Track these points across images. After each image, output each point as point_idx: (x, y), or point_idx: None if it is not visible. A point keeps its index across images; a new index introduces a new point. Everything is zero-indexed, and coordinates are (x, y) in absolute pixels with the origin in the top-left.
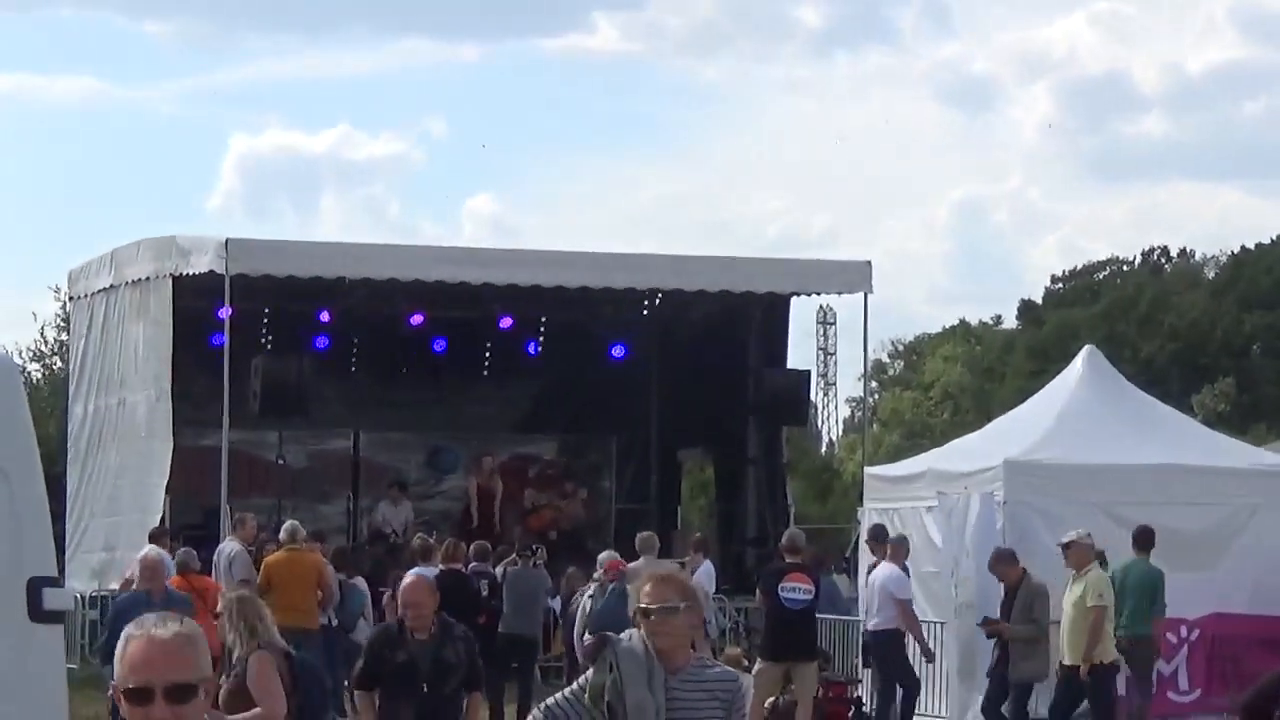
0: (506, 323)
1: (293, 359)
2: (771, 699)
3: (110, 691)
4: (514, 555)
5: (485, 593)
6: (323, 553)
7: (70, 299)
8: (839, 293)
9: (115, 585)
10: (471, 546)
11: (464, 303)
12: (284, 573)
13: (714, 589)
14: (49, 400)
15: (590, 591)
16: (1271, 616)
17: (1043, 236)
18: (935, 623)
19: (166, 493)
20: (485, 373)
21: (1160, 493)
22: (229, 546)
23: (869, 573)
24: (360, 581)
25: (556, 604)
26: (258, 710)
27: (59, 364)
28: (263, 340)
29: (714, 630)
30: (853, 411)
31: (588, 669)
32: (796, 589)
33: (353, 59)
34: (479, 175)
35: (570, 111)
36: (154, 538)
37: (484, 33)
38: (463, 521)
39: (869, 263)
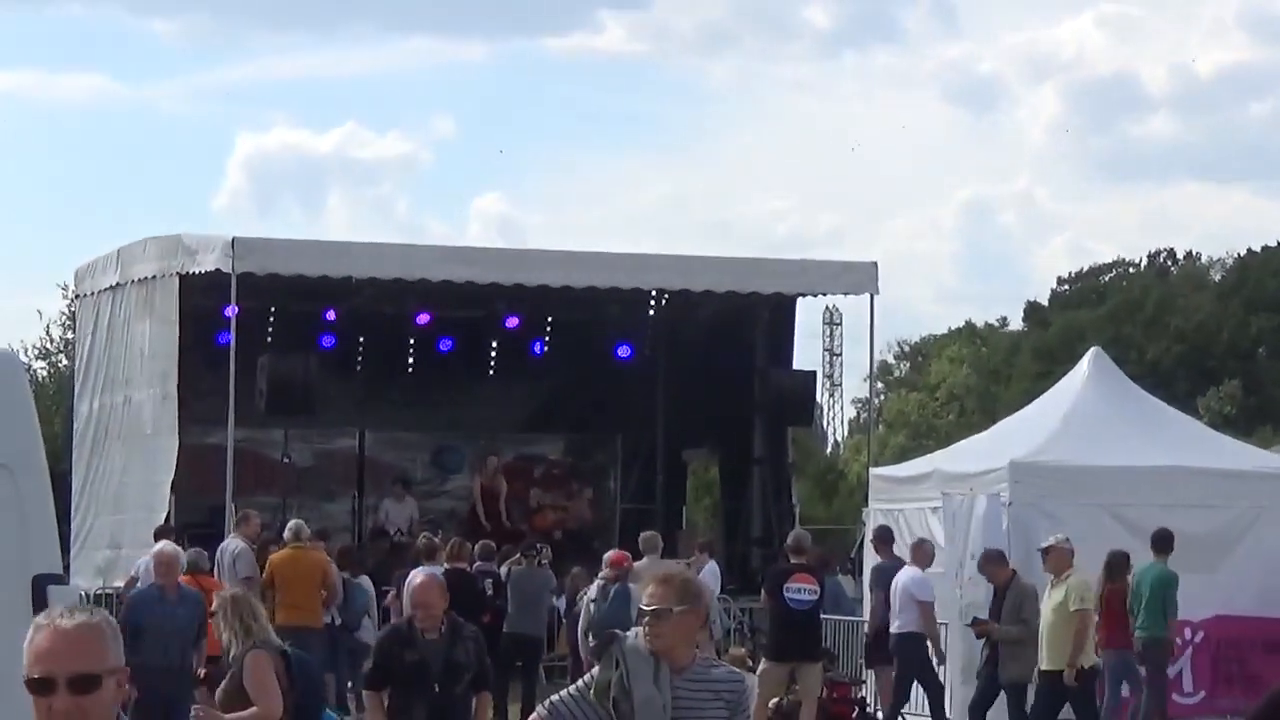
0: (513, 322)
1: (299, 358)
2: (776, 699)
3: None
4: (518, 555)
5: (490, 592)
6: (327, 551)
7: (76, 297)
8: (845, 293)
9: (120, 583)
10: (476, 546)
11: (470, 302)
12: (288, 571)
13: (719, 589)
14: (54, 398)
15: (593, 592)
16: (1276, 619)
17: (1049, 238)
18: (939, 624)
19: (172, 491)
20: (491, 372)
21: (1165, 495)
22: (232, 544)
23: (872, 573)
24: (365, 580)
25: (561, 604)
26: (254, 709)
27: (65, 362)
28: (269, 339)
29: (718, 630)
30: (858, 412)
31: (593, 667)
32: (801, 589)
33: (360, 58)
34: (486, 175)
35: (577, 111)
36: (159, 536)
37: (491, 32)
38: (469, 521)
39: (875, 263)
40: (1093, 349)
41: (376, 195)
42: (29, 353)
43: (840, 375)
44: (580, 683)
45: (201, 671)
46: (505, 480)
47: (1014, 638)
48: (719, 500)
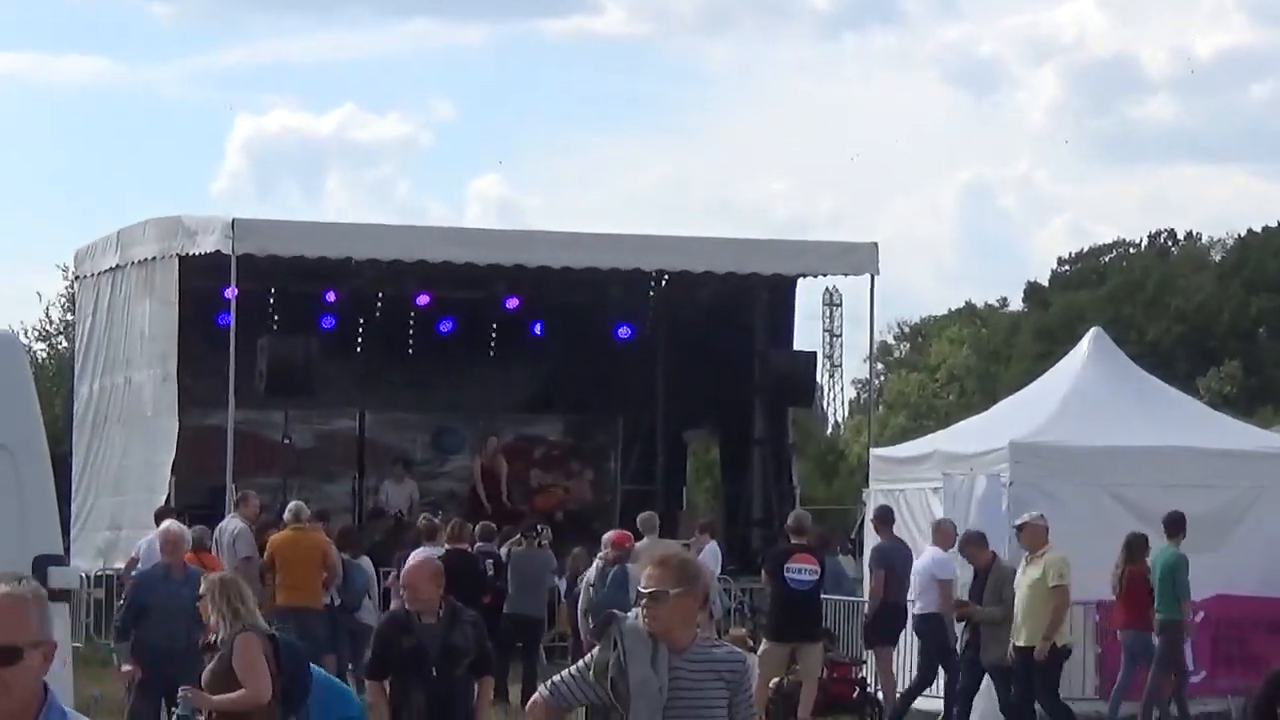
0: (512, 303)
1: (299, 339)
2: (777, 679)
3: (123, 666)
4: (519, 536)
5: (490, 573)
6: (327, 532)
7: (76, 278)
8: (845, 274)
9: (121, 564)
10: (477, 527)
11: (470, 283)
12: (289, 552)
13: (719, 570)
14: (54, 380)
15: (592, 575)
16: (1278, 598)
17: (1049, 219)
18: None
19: (172, 472)
20: (491, 353)
21: (1166, 475)
22: (231, 524)
23: (872, 554)
24: (365, 561)
25: (562, 585)
26: (244, 691)
27: (64, 344)
28: (269, 320)
29: (719, 611)
30: (858, 393)
31: (593, 647)
32: (802, 570)
33: (359, 40)
34: (485, 156)
35: (577, 93)
36: (159, 517)
37: (491, 14)
38: (469, 502)
39: (875, 244)
40: (1093, 329)
41: (376, 177)
42: (29, 335)
43: (840, 356)
44: (581, 663)
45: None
46: (505, 461)
47: (995, 619)
48: (719, 481)
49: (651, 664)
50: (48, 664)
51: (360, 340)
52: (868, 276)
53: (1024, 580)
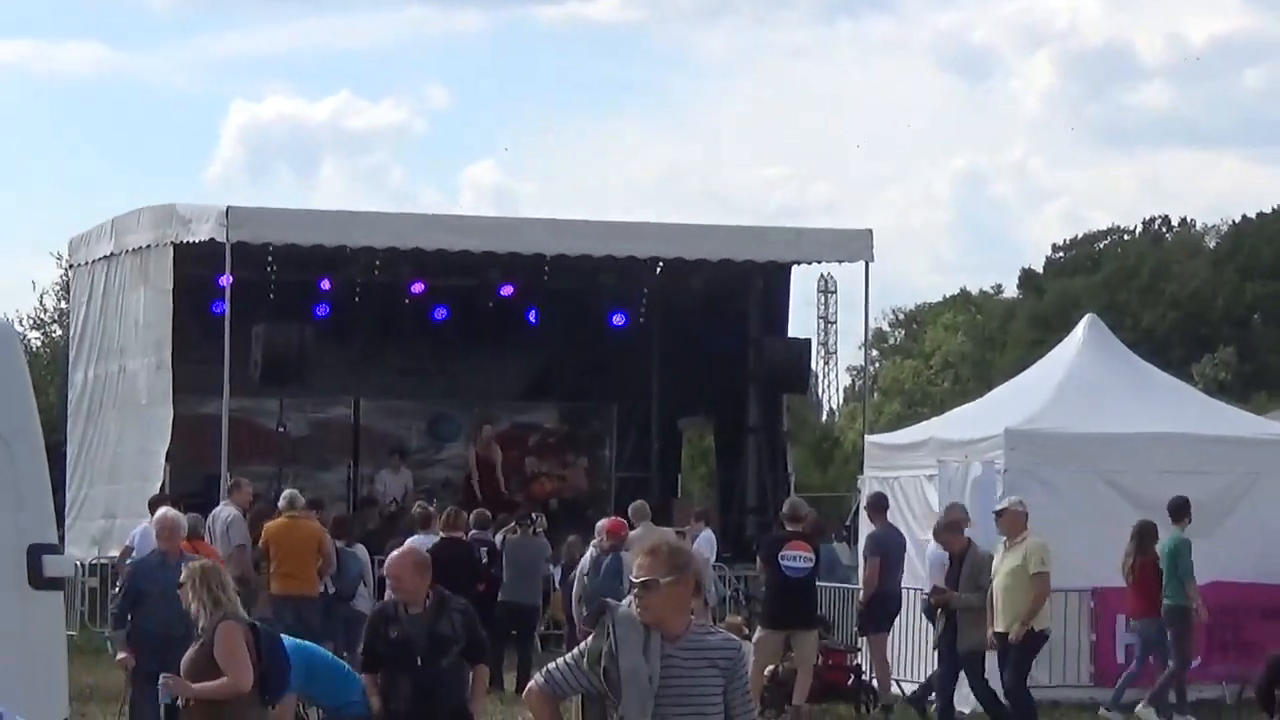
0: (507, 291)
1: (294, 327)
2: (772, 666)
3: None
4: (513, 524)
5: (485, 561)
6: (321, 521)
7: (71, 267)
8: (840, 261)
9: (115, 552)
10: (472, 515)
11: (465, 271)
12: (284, 540)
13: (714, 557)
14: (49, 368)
15: (585, 563)
16: (1272, 585)
17: (1044, 206)
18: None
19: (166, 460)
20: (486, 341)
21: (1161, 461)
22: (225, 511)
23: (867, 541)
24: (360, 549)
25: (557, 573)
26: (225, 680)
27: (59, 332)
28: (263, 308)
29: (714, 598)
30: (853, 380)
31: (587, 635)
32: (797, 557)
33: (354, 26)
34: (480, 144)
35: (571, 80)
36: (154, 505)
37: (485, 1)
38: (465, 490)
39: (870, 231)
40: (1088, 316)
41: (370, 164)
42: (24, 323)
43: (835, 343)
44: (575, 651)
45: None
46: (500, 449)
47: (972, 606)
48: (714, 468)
49: (643, 652)
50: None
51: (355, 328)
52: (862, 263)
53: (1003, 566)
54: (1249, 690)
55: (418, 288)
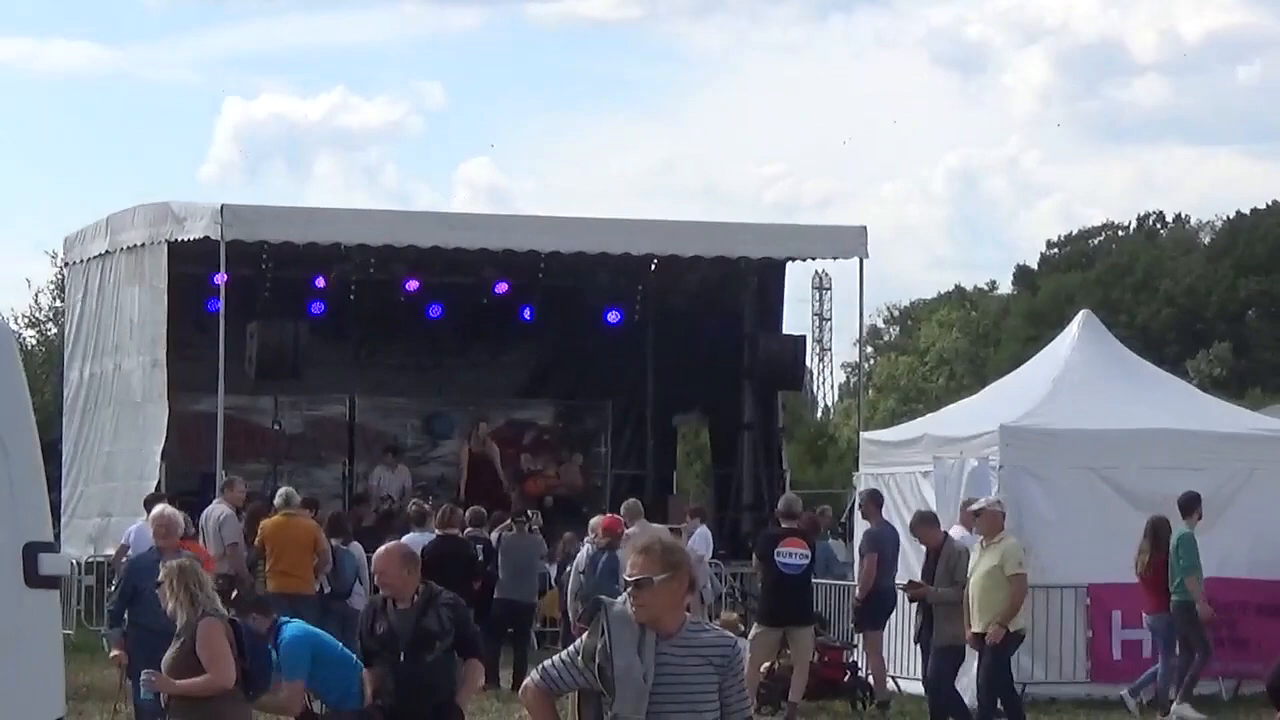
0: (502, 288)
1: (288, 325)
2: (768, 663)
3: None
4: (509, 521)
5: (480, 558)
6: (317, 519)
7: (65, 265)
8: (834, 258)
9: (111, 551)
10: (467, 512)
11: (459, 268)
12: (280, 537)
13: (710, 554)
14: (44, 366)
15: (581, 561)
16: (1268, 580)
17: (1038, 202)
18: None
19: (162, 459)
20: (481, 338)
21: (1156, 457)
22: (217, 510)
23: (863, 538)
24: (355, 547)
25: (553, 570)
26: (208, 676)
27: (54, 330)
28: (258, 306)
29: (710, 595)
30: (848, 377)
31: (583, 632)
32: (793, 554)
33: (349, 23)
34: (474, 141)
35: (565, 77)
36: (149, 504)
37: None
38: (464, 487)
39: (864, 228)
40: (1082, 312)
41: (365, 161)
42: (18, 321)
43: (830, 340)
44: (571, 648)
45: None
46: (496, 446)
47: (949, 600)
48: (709, 465)
49: (638, 650)
50: None
51: (350, 325)
52: (857, 260)
53: (980, 566)
54: (1245, 685)
55: (412, 285)
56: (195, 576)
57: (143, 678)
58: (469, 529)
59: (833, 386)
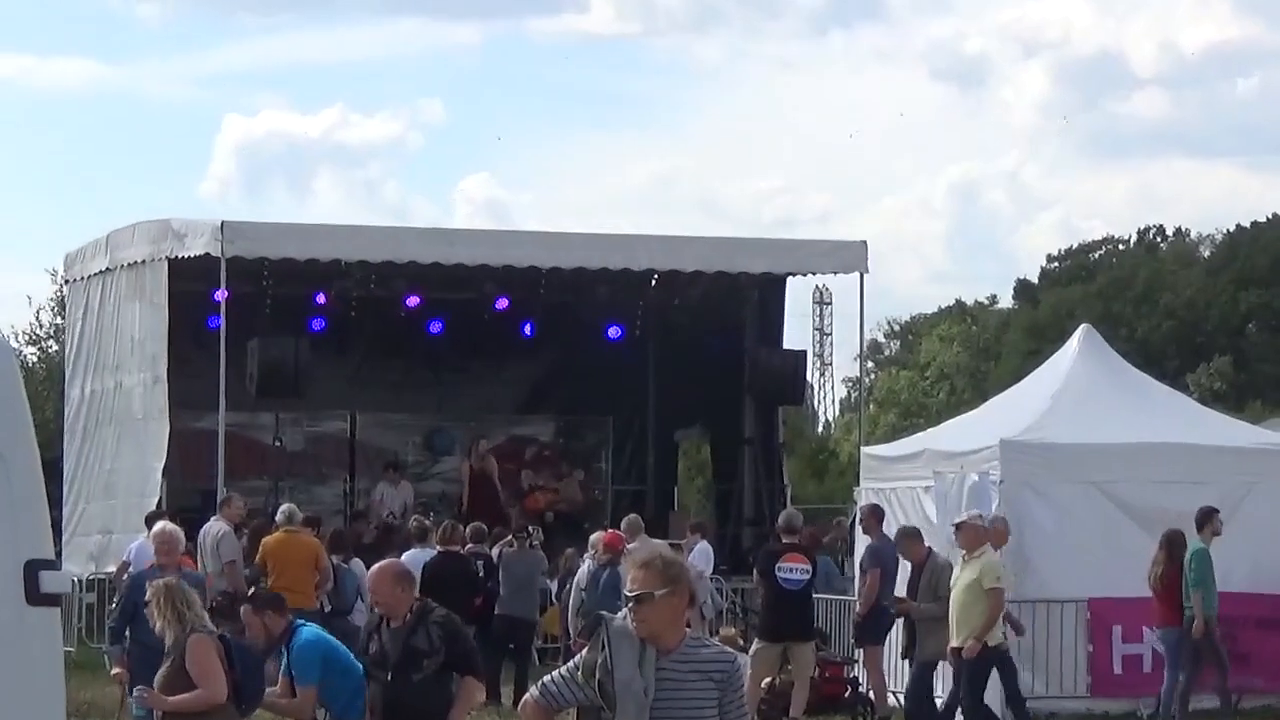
0: (503, 304)
1: (289, 341)
2: (769, 678)
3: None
4: (510, 537)
5: (481, 574)
6: (319, 536)
7: (66, 282)
8: (835, 273)
9: (112, 568)
10: (468, 528)
11: (460, 284)
12: (281, 554)
13: (711, 569)
14: (45, 384)
15: (583, 578)
16: (1268, 595)
17: (1038, 216)
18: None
19: (163, 475)
20: (482, 354)
21: (1157, 471)
22: (215, 527)
23: (865, 553)
24: (356, 563)
25: (554, 585)
26: (200, 691)
27: (55, 347)
28: (259, 323)
29: (710, 610)
30: (849, 391)
31: (583, 648)
32: (794, 569)
33: (349, 40)
34: (474, 156)
35: (566, 92)
36: (150, 521)
37: (480, 13)
38: (465, 503)
39: (864, 243)
40: (1083, 326)
41: (365, 178)
42: (19, 339)
43: (830, 354)
44: (570, 664)
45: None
46: (496, 462)
47: (932, 615)
48: (710, 480)
49: (638, 665)
50: None
51: (350, 342)
52: (857, 275)
53: (960, 580)
54: (1245, 700)
55: (413, 301)
56: (183, 595)
57: (135, 695)
58: (470, 545)
59: (833, 401)
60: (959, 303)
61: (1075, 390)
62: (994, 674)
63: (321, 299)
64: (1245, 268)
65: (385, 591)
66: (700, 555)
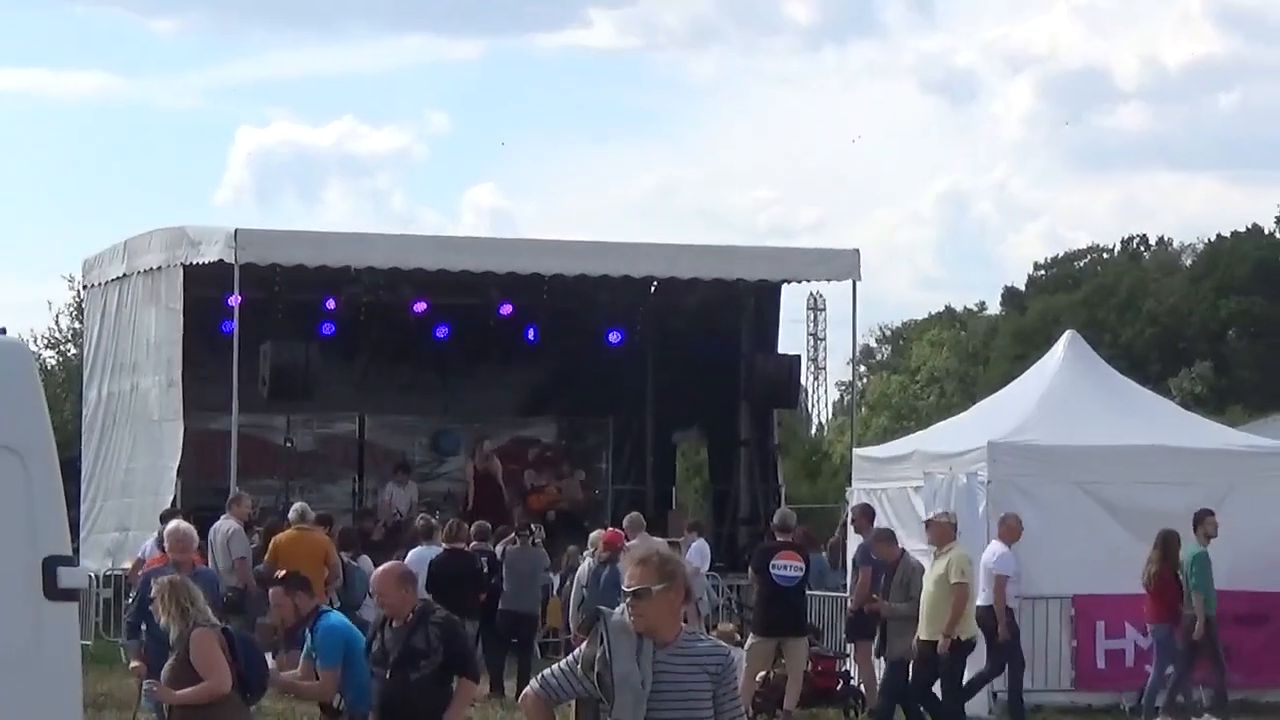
0: (506, 310)
1: (300, 345)
2: (764, 672)
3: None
4: (513, 535)
5: (486, 571)
6: (330, 535)
7: (84, 287)
8: (828, 280)
9: (128, 564)
10: (473, 527)
11: (465, 290)
12: (292, 551)
13: (708, 567)
14: (64, 386)
15: (584, 575)
16: (1247, 591)
17: (1025, 225)
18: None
19: (178, 475)
20: (486, 358)
21: (1139, 473)
22: (226, 525)
23: (856, 551)
24: (365, 560)
25: (556, 581)
26: (205, 684)
27: (73, 351)
28: (271, 327)
29: (707, 607)
30: (841, 395)
31: (582, 642)
32: (787, 566)
33: (357, 54)
34: (479, 167)
35: (568, 105)
36: (165, 519)
37: (485, 29)
38: (463, 504)
39: (857, 251)
40: (1068, 332)
41: (373, 187)
42: (39, 342)
43: (824, 359)
44: (570, 658)
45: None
46: (500, 463)
47: (902, 614)
48: (707, 481)
49: (636, 658)
50: None
51: (360, 346)
52: (850, 282)
53: (929, 576)
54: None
55: (420, 307)
56: (186, 591)
57: (145, 688)
58: (475, 543)
59: (827, 404)
60: (948, 309)
61: (1061, 394)
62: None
63: (331, 304)
64: (1225, 276)
65: (390, 592)
66: (697, 553)
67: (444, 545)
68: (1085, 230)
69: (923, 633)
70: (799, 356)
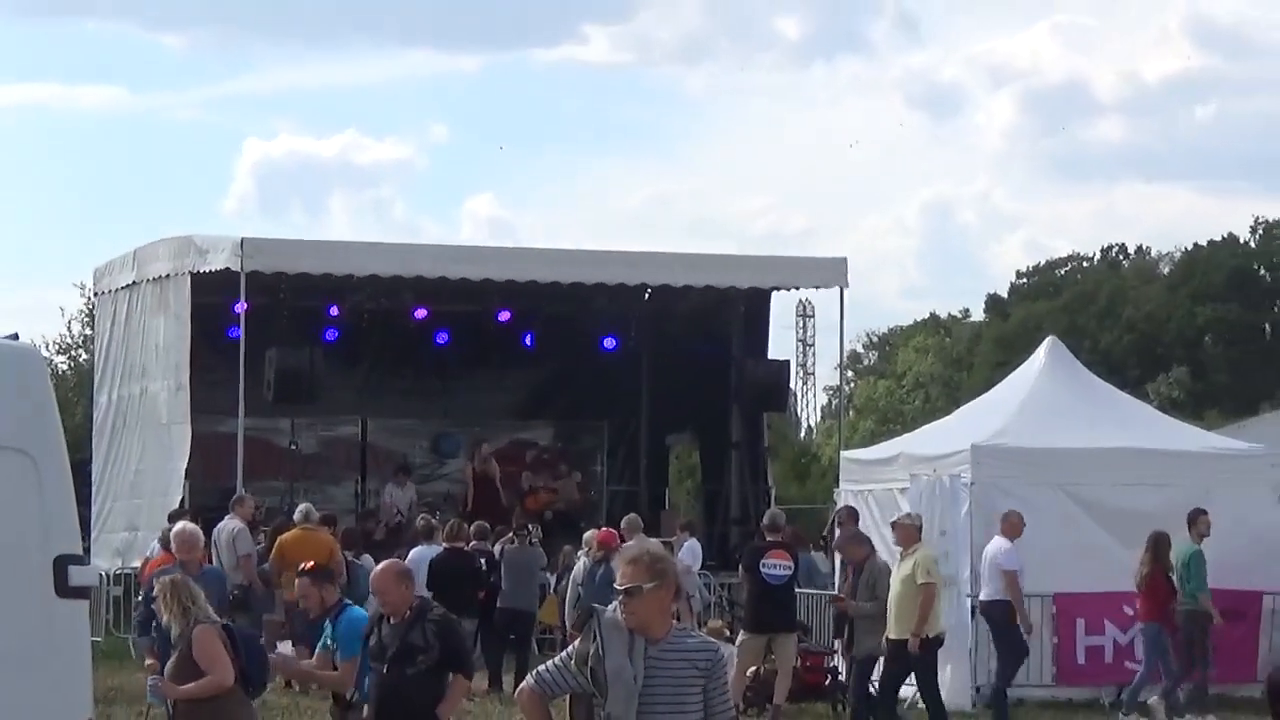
0: (505, 316)
1: (304, 350)
2: (754, 668)
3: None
4: (510, 535)
5: (485, 569)
6: (334, 534)
7: (95, 294)
8: (817, 287)
9: (137, 563)
10: (472, 526)
11: (465, 298)
12: (296, 550)
13: (699, 565)
14: (75, 390)
15: (579, 574)
16: (1224, 589)
17: (1007, 235)
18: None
19: (185, 477)
20: (485, 363)
21: (1118, 475)
22: (230, 524)
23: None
24: (367, 559)
25: (553, 580)
26: (208, 679)
27: (84, 356)
28: (276, 333)
29: (698, 604)
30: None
31: (576, 639)
32: (777, 565)
33: (360, 68)
34: (479, 177)
35: (564, 118)
36: (173, 519)
37: (483, 44)
38: (462, 505)
39: (845, 259)
40: (1049, 338)
41: (375, 197)
42: (51, 347)
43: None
44: (564, 654)
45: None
46: (498, 464)
47: (867, 613)
48: (699, 482)
49: (628, 654)
50: None
51: (362, 351)
52: (838, 289)
53: (896, 575)
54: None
55: (421, 313)
56: (187, 590)
57: (150, 684)
58: (474, 542)
59: (815, 408)
60: (933, 316)
61: (1042, 398)
62: (995, 663)
63: (335, 311)
64: (1202, 284)
65: (388, 589)
66: (689, 552)
67: (444, 545)
68: (1066, 239)
69: (892, 631)
70: (788, 362)
